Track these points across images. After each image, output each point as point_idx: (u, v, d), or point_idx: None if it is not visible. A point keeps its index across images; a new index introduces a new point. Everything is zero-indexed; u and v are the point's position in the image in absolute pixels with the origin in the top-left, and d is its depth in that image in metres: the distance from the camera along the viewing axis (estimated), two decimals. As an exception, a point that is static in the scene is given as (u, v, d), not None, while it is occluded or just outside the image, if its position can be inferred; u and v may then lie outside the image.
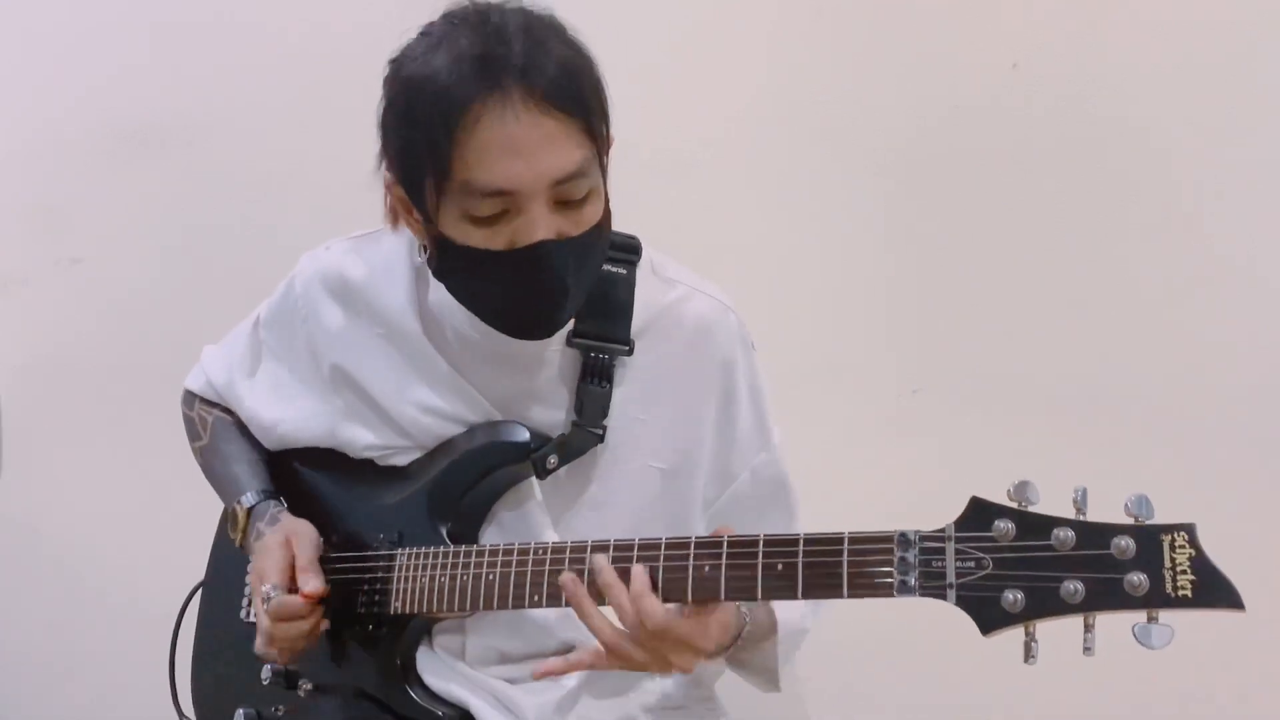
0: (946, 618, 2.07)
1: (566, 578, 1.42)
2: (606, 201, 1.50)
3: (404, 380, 1.66)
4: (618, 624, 1.39)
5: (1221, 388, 2.12)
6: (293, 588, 1.61)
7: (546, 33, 1.41)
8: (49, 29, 2.77)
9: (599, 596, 1.40)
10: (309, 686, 1.70)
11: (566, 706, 1.62)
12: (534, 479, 1.62)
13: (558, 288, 1.48)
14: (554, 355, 1.61)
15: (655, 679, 1.69)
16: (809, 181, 2.34)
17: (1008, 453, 2.15)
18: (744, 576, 1.33)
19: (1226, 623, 1.98)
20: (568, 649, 1.64)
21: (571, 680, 1.63)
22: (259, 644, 1.63)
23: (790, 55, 2.35)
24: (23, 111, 2.80)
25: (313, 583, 1.61)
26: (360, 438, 1.70)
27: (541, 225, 1.41)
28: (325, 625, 1.64)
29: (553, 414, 1.62)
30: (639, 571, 1.38)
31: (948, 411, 2.25)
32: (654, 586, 1.37)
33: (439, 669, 1.65)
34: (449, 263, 1.51)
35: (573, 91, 1.39)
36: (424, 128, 1.40)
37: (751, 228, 2.36)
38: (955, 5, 2.26)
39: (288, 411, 1.77)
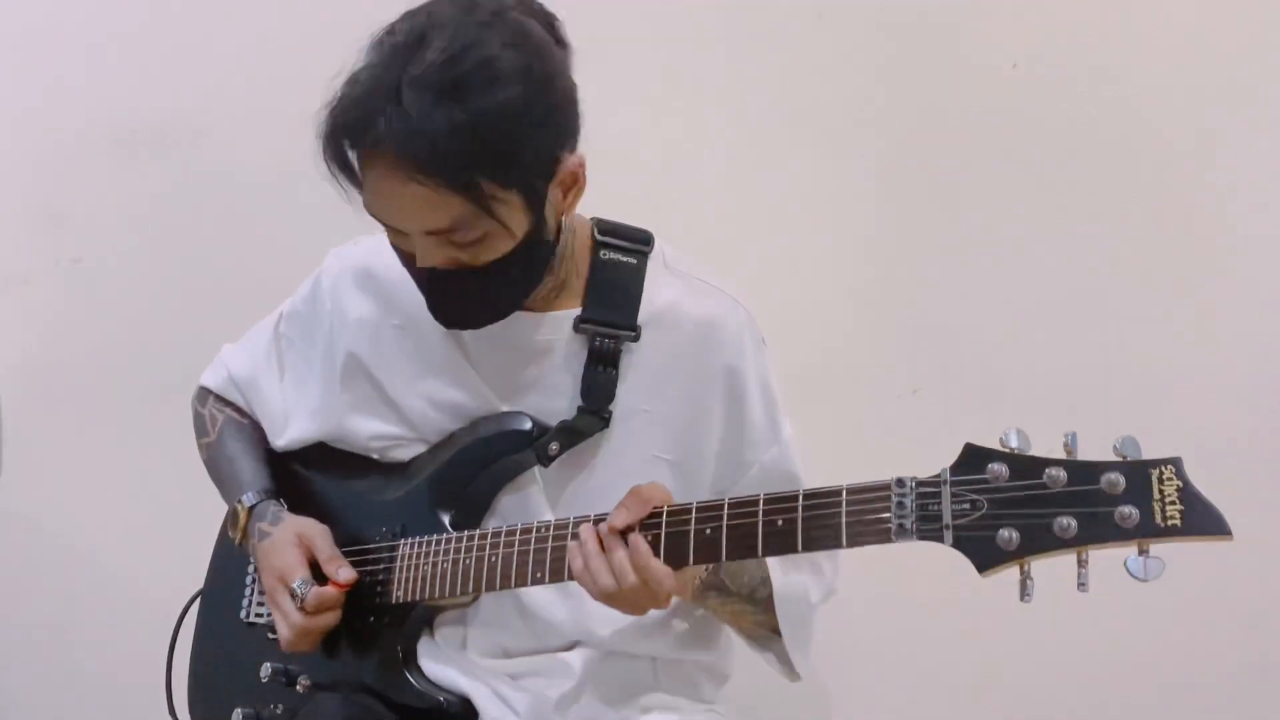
0: (954, 617, 2.11)
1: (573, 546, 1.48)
2: (536, 227, 1.50)
3: (416, 371, 1.70)
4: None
5: (1225, 386, 2.14)
6: (321, 580, 1.67)
7: (456, 83, 1.39)
8: (49, 29, 2.79)
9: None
10: (307, 683, 1.73)
11: (567, 703, 1.65)
12: (536, 468, 1.66)
13: (458, 305, 1.56)
14: (561, 341, 1.65)
15: (658, 679, 1.73)
16: (809, 182, 2.37)
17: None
18: (745, 535, 1.38)
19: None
20: (572, 645, 1.68)
21: (574, 677, 1.66)
22: (288, 639, 1.67)
23: (792, 56, 2.38)
24: (23, 111, 2.82)
25: (345, 572, 1.68)
26: (367, 428, 1.74)
27: (427, 256, 1.48)
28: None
29: (558, 400, 1.66)
30: (637, 539, 1.43)
31: (948, 411, 2.27)
32: (656, 553, 1.43)
33: (440, 658, 1.69)
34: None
35: (449, 161, 1.39)
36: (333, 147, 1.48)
37: (751, 228, 2.39)
38: (955, 6, 2.30)
39: (300, 404, 1.82)
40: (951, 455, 1.29)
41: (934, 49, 2.31)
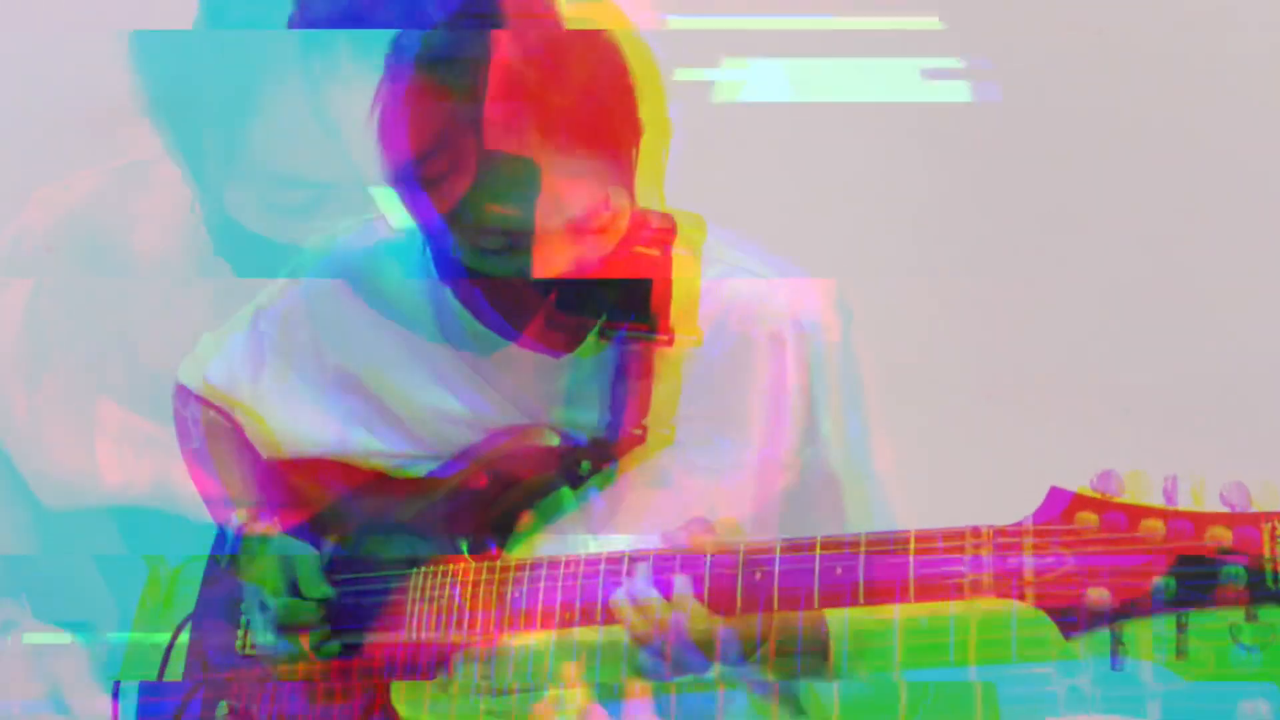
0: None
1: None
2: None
3: (419, 384, 1.69)
4: None
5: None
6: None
7: None
8: (45, 25, 2.81)
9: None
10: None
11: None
12: (566, 488, 1.63)
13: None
14: (586, 351, 1.62)
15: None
16: (845, 172, 2.35)
17: (1082, 455, 2.14)
18: (799, 584, 1.34)
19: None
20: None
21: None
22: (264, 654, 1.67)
23: (825, 31, 2.34)
24: (15, 105, 2.82)
25: (325, 588, 1.65)
26: (371, 444, 1.72)
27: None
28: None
29: (586, 415, 1.63)
30: (682, 586, 1.41)
31: (1017, 414, 2.24)
32: (701, 599, 1.40)
33: (431, 700, 1.65)
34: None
35: None
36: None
37: (779, 224, 2.35)
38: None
39: (292, 414, 1.79)
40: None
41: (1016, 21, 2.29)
